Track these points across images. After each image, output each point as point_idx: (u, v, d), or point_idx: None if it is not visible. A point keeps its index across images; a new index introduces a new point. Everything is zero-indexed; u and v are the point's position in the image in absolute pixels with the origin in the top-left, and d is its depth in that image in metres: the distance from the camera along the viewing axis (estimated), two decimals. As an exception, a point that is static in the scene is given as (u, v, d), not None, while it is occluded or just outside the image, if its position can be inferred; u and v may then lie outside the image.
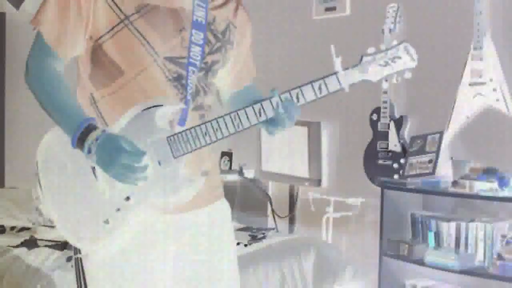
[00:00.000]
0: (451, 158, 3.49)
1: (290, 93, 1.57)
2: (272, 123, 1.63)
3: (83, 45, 1.69)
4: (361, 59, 1.54)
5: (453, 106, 3.48)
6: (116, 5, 1.65)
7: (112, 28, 1.65)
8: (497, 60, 3.36)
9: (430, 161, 3.51)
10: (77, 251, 1.76)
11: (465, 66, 3.42)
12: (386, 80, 1.57)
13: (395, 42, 1.54)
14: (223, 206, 1.87)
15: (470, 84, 3.42)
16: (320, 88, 1.55)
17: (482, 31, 3.34)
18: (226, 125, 1.60)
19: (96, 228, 1.64)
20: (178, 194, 1.64)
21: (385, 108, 3.77)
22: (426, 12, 3.75)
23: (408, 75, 1.55)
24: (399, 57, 1.53)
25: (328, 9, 4.25)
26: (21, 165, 5.94)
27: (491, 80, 3.35)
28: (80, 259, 1.76)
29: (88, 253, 1.72)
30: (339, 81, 1.54)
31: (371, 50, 1.55)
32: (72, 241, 1.73)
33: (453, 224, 3.34)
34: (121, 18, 1.65)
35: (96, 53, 1.68)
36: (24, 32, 6.10)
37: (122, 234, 1.64)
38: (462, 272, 3.20)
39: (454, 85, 3.45)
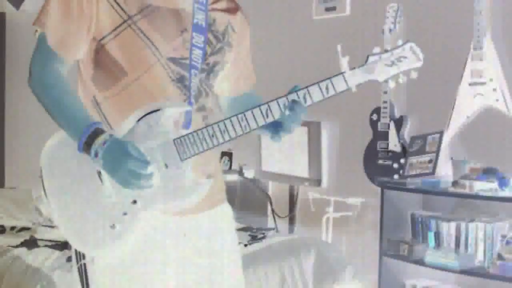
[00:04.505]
0: (451, 158, 3.49)
1: (297, 94, 1.55)
2: (275, 127, 1.61)
3: (86, 46, 1.67)
4: (367, 59, 1.53)
5: (453, 106, 3.48)
6: (119, 6, 1.64)
7: (115, 29, 1.64)
8: (497, 60, 3.36)
9: (430, 161, 3.51)
10: (81, 256, 1.72)
11: (465, 66, 3.42)
12: (392, 80, 1.56)
13: (400, 42, 1.53)
14: (227, 210, 1.87)
15: (470, 84, 3.42)
16: (327, 88, 1.53)
17: (482, 31, 3.34)
18: (233, 126, 1.58)
19: (103, 233, 1.62)
20: (186, 197, 1.63)
21: (385, 108, 3.77)
22: (426, 12, 3.76)
23: (414, 74, 1.53)
24: (405, 57, 1.52)
25: (328, 9, 4.25)
26: (21, 165, 5.94)
27: (491, 80, 3.35)
28: (84, 264, 1.72)
29: (93, 259, 1.69)
30: (346, 82, 1.53)
31: (376, 50, 1.54)
32: (77, 247, 1.70)
33: (453, 224, 3.33)
34: (124, 18, 1.64)
35: (99, 54, 1.66)
36: (24, 32, 6.11)
37: (129, 238, 1.62)
38: (462, 272, 3.20)
39: (454, 85, 3.46)
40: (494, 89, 3.34)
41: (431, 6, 3.73)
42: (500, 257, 3.08)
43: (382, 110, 3.79)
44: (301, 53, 4.40)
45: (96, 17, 1.63)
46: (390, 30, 3.71)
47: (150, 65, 1.65)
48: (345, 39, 4.06)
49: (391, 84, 1.55)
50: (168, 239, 1.71)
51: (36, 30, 1.68)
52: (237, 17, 1.84)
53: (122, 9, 1.64)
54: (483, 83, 3.37)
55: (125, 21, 1.64)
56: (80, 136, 1.58)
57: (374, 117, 3.84)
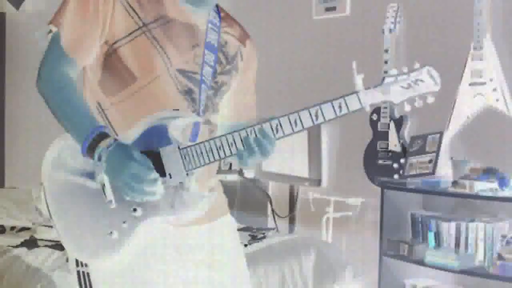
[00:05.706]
0: (451, 158, 3.49)
1: (309, 111, 1.51)
2: (242, 154, 1.56)
3: (97, 50, 1.66)
4: (382, 80, 1.49)
5: (453, 106, 3.48)
6: (135, 12, 1.64)
7: (129, 34, 1.64)
8: (497, 60, 3.36)
9: (430, 161, 3.51)
10: (82, 264, 1.71)
11: (465, 66, 3.42)
12: (408, 103, 1.52)
13: (417, 65, 1.49)
14: (229, 222, 1.86)
15: (470, 84, 3.42)
16: (340, 107, 1.50)
17: (482, 31, 3.34)
18: (241, 139, 1.55)
19: (99, 240, 1.60)
20: (190, 210, 1.60)
21: (385, 108, 3.77)
22: (426, 12, 3.76)
23: (430, 99, 1.50)
24: (422, 80, 1.48)
25: (328, 9, 4.25)
26: (21, 165, 5.94)
27: (491, 80, 3.35)
28: (88, 273, 1.70)
29: (91, 266, 1.68)
30: (360, 101, 1.49)
31: (393, 71, 1.50)
32: (76, 255, 1.69)
33: (453, 224, 3.33)
34: (139, 25, 1.64)
35: (110, 58, 1.66)
36: (24, 32, 6.12)
37: (127, 247, 1.59)
38: (462, 272, 3.20)
39: (454, 85, 3.46)
40: (494, 89, 3.34)
41: (431, 6, 3.73)
42: (500, 257, 3.08)
43: (382, 110, 3.79)
44: (301, 53, 4.40)
45: (111, 21, 1.63)
46: (390, 30, 3.71)
47: (159, 74, 1.65)
48: (345, 39, 4.06)
49: (407, 107, 1.51)
50: (167, 250, 1.69)
51: (50, 30, 1.67)
52: (246, 47, 1.85)
53: (138, 15, 1.65)
54: (483, 83, 3.37)
55: (139, 28, 1.64)
56: (84, 139, 1.56)
57: (374, 117, 3.84)
